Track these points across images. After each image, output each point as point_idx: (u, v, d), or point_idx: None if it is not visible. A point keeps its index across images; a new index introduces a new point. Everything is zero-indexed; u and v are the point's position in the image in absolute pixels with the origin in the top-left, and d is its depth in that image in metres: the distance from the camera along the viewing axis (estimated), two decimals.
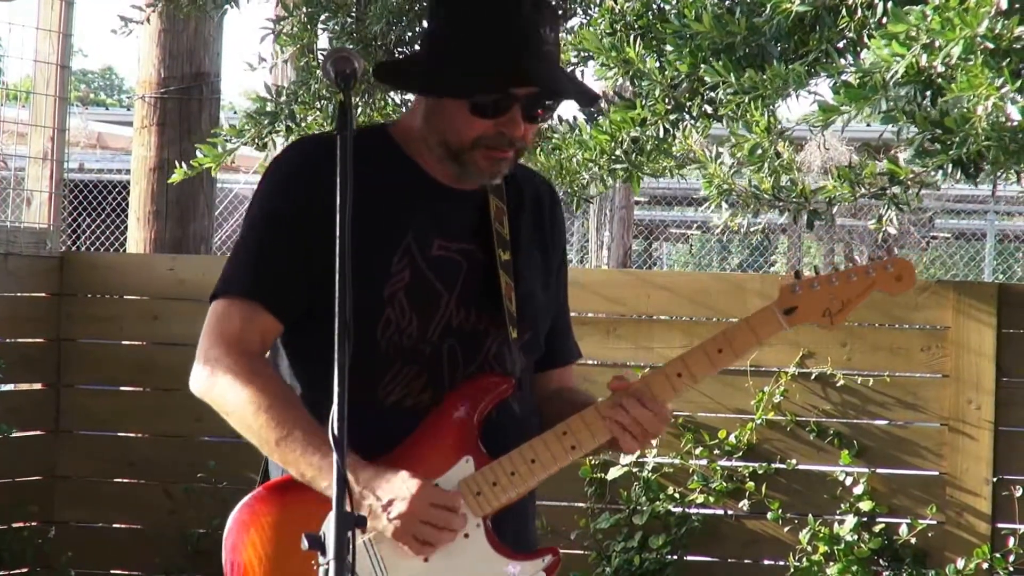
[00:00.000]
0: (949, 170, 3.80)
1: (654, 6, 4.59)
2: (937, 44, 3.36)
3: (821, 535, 6.28)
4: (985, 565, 6.17)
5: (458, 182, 3.08)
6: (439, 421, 3.03)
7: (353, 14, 5.18)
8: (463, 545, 3.00)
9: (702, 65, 4.05)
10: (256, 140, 5.19)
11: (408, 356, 3.03)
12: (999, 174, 4.00)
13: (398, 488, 2.91)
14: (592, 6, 5.04)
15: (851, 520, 6.28)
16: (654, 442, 6.39)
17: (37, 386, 7.02)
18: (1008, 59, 3.34)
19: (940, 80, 3.57)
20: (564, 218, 3.34)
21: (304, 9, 5.23)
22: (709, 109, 4.35)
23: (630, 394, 3.07)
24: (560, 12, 5.01)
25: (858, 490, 6.32)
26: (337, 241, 2.70)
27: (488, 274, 3.09)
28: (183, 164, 5.38)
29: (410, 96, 4.02)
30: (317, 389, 3.05)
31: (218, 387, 3.02)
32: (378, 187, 3.04)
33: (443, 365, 3.05)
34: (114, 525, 6.93)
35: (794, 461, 6.38)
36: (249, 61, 5.31)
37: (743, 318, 3.13)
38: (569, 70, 5.02)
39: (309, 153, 3.12)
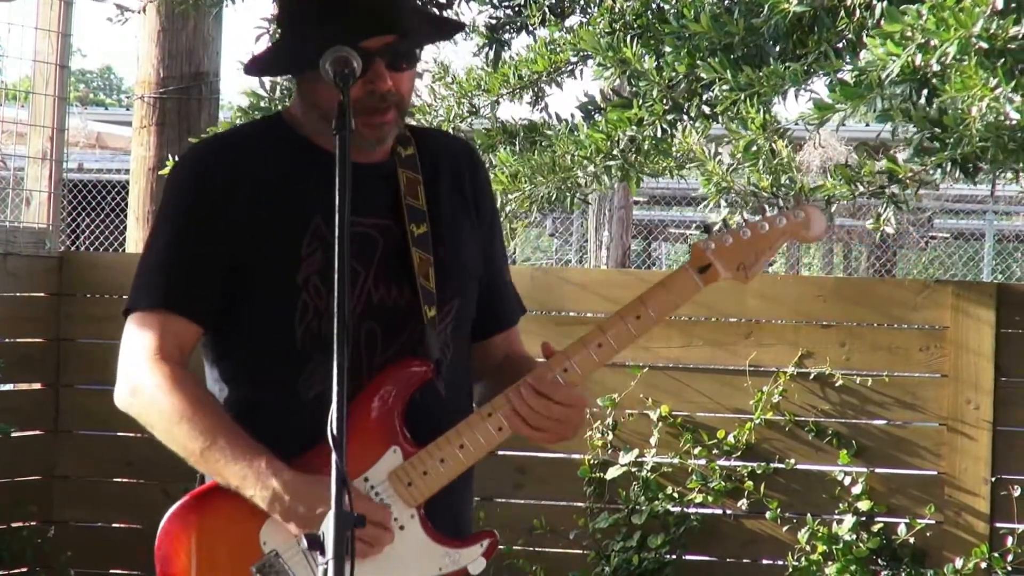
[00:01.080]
0: (948, 169, 3.80)
1: (653, 6, 4.59)
2: (932, 43, 3.36)
3: (820, 535, 6.28)
4: (983, 565, 6.17)
5: (361, 156, 3.00)
6: (361, 413, 2.98)
7: None
8: (399, 537, 2.97)
9: (700, 64, 4.06)
10: None
11: (326, 346, 2.90)
12: (998, 173, 4.01)
13: (327, 499, 2.85)
14: (591, 5, 5.04)
15: (850, 520, 6.28)
16: (652, 440, 6.47)
17: (36, 386, 7.01)
18: (1003, 59, 3.34)
19: (935, 79, 3.57)
20: (488, 178, 3.27)
21: None
22: (707, 110, 4.35)
23: (531, 383, 3.00)
24: None
25: (857, 490, 6.32)
26: (336, 241, 2.68)
27: (405, 249, 3.04)
28: (174, 158, 5.39)
29: None
30: (243, 388, 3.05)
31: (139, 401, 3.01)
32: (279, 175, 3.01)
33: (361, 352, 3.00)
34: (113, 525, 6.93)
35: (793, 461, 6.38)
36: (243, 61, 5.33)
37: (658, 281, 3.10)
38: (570, 69, 5.04)
39: (206, 155, 3.10)
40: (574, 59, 4.94)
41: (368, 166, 3.03)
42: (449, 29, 3.22)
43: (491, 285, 3.20)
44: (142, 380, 3.00)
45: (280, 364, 3.00)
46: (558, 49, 4.94)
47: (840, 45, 4.21)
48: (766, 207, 3.12)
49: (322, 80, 2.89)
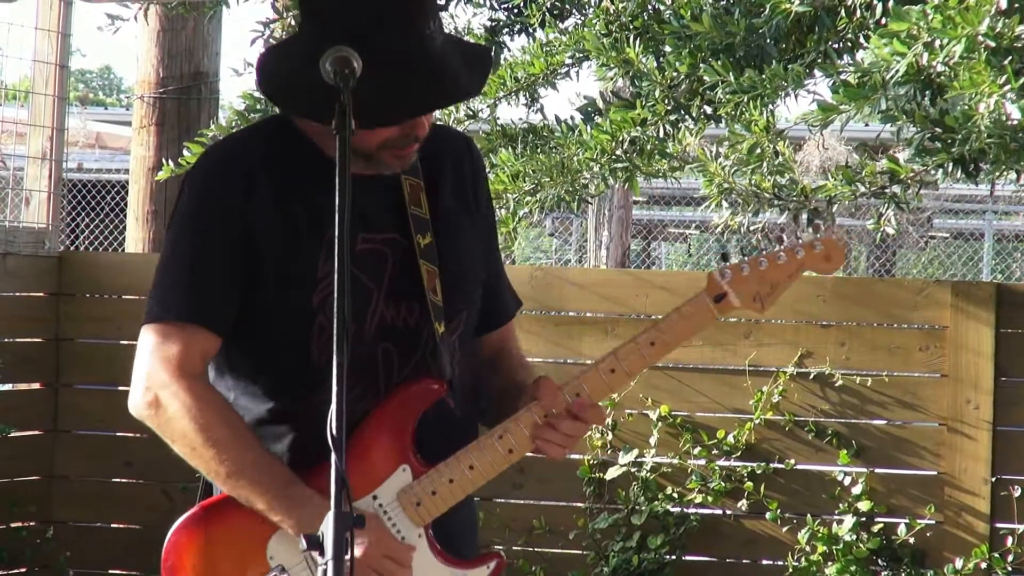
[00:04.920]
0: (949, 169, 3.80)
1: (649, 7, 4.59)
2: (938, 43, 3.36)
3: (820, 535, 6.28)
4: (983, 565, 6.17)
5: (371, 171, 2.99)
6: (373, 431, 2.98)
7: None
8: None
9: (701, 65, 4.05)
10: None
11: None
12: (999, 173, 4.01)
13: (357, 531, 2.85)
14: (587, 6, 5.04)
15: (849, 520, 6.28)
16: (652, 440, 6.46)
17: (35, 386, 7.01)
18: (1009, 57, 3.34)
19: (940, 79, 3.57)
20: (485, 171, 3.24)
21: (293, 11, 5.24)
22: (709, 110, 4.35)
23: (563, 408, 3.00)
24: None
25: (856, 490, 6.31)
26: (336, 241, 2.66)
27: (414, 263, 3.02)
28: (170, 162, 5.39)
29: None
30: (257, 400, 3.04)
31: (163, 413, 2.98)
32: (292, 187, 2.98)
33: (378, 372, 3.00)
34: (112, 525, 6.92)
35: (792, 461, 6.38)
36: (235, 67, 5.34)
37: (674, 308, 3.06)
38: (564, 70, 5.04)
39: (227, 158, 3.05)
40: (569, 61, 4.94)
41: (373, 178, 3.01)
42: (481, 65, 3.08)
43: (487, 282, 3.18)
44: (166, 395, 2.98)
45: (296, 380, 2.99)
46: (554, 51, 4.94)
47: (839, 45, 4.21)
48: (783, 236, 3.10)
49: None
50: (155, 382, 2.99)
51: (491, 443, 3.01)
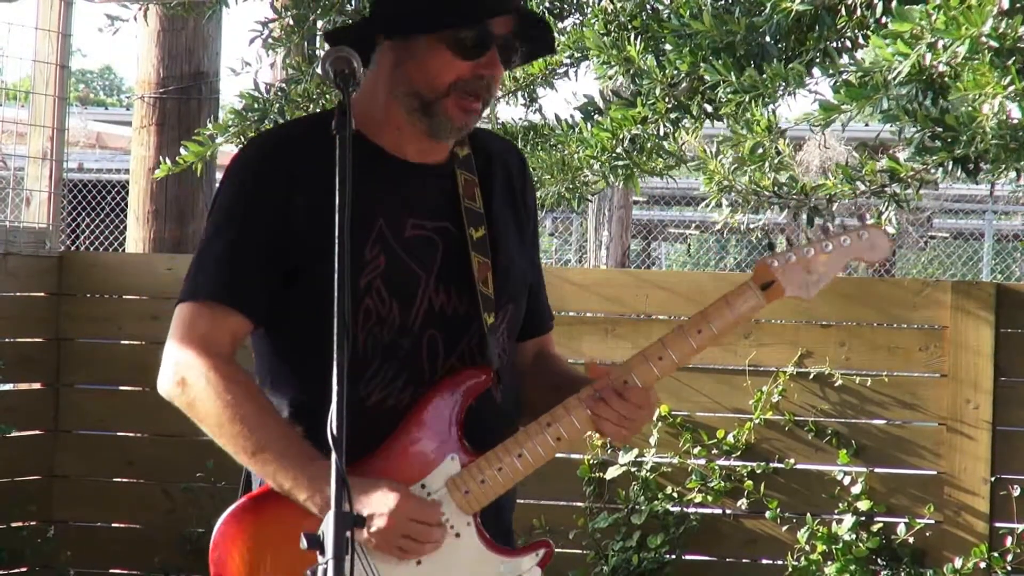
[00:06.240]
0: (950, 168, 3.80)
1: (648, 6, 4.60)
2: (941, 44, 3.36)
3: (819, 534, 6.28)
4: (983, 564, 6.17)
5: (421, 156, 3.02)
6: (420, 420, 2.99)
7: (349, 6, 5.18)
8: (455, 545, 2.98)
9: (702, 64, 4.06)
10: (241, 137, 5.20)
11: (387, 353, 2.98)
12: (999, 172, 4.01)
13: (377, 502, 2.88)
14: (586, 6, 5.05)
15: (849, 519, 6.28)
16: (652, 440, 6.47)
17: (36, 386, 7.01)
18: (1013, 58, 3.35)
19: (942, 79, 3.57)
20: (533, 182, 3.28)
21: (292, 11, 5.23)
22: (709, 108, 4.36)
23: (612, 387, 3.01)
24: None
25: (856, 489, 6.32)
26: (336, 242, 2.67)
27: (465, 254, 3.04)
28: (167, 160, 5.39)
29: None
30: (301, 390, 3.03)
31: (190, 392, 2.98)
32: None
33: (423, 360, 3.00)
34: (113, 525, 6.93)
35: (792, 460, 6.39)
36: (232, 67, 5.34)
37: (720, 297, 3.07)
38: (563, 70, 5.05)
39: (271, 149, 3.07)
40: (568, 60, 4.95)
41: (427, 167, 3.04)
42: (549, 43, 3.18)
43: (532, 289, 3.21)
44: (193, 374, 2.97)
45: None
46: None
47: (839, 44, 4.21)
48: (829, 226, 3.11)
49: (434, 53, 2.92)
50: (182, 362, 2.99)
51: (539, 430, 3.01)
